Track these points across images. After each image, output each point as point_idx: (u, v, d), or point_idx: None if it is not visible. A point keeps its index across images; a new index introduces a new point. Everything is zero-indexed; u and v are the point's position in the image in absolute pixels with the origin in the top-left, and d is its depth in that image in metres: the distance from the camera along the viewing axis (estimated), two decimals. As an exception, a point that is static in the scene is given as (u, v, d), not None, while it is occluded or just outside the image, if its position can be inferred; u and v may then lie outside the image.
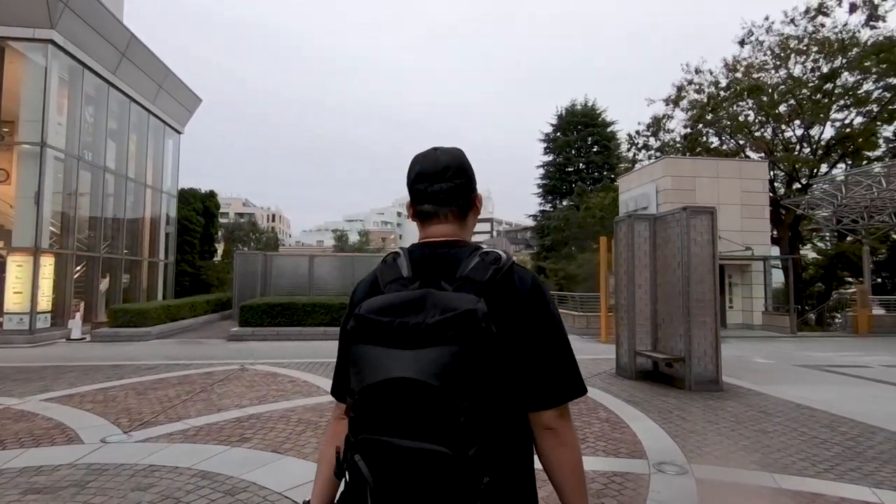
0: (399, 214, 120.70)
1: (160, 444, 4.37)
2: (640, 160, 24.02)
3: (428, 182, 1.07)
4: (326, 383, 6.89)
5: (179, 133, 20.10)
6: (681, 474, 3.79)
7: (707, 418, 5.43)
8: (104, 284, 14.85)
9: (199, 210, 21.46)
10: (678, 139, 22.98)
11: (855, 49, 19.23)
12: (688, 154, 20.20)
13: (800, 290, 19.33)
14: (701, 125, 21.49)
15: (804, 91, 20.73)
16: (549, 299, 1.03)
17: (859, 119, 20.45)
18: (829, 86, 20.25)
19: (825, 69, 20.18)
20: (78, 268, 14.16)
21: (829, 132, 20.94)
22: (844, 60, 19.53)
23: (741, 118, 21.78)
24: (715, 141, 22.55)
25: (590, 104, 38.41)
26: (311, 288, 18.25)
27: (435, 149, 1.12)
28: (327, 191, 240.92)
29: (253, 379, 7.30)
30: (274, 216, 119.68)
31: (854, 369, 9.05)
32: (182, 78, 18.62)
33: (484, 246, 1.06)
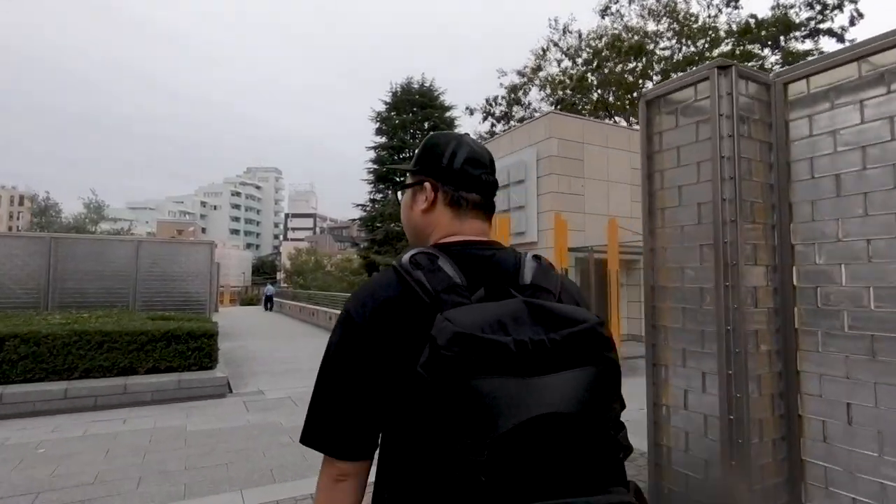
0: (203, 205, 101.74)
1: None
2: (498, 133, 20.21)
3: (483, 169, 0.89)
4: None
5: None
6: None
7: None
8: None
9: None
10: (551, 106, 19.73)
11: (710, 33, 18.19)
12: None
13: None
14: (571, 91, 18.46)
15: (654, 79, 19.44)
16: None
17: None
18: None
19: (679, 57, 19.03)
20: None
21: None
22: (704, 43, 18.40)
23: (598, 97, 19.65)
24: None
25: (427, 84, 34.52)
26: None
27: (465, 135, 0.93)
28: (111, 174, 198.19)
29: None
30: (22, 198, 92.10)
31: None
32: None
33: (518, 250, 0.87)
